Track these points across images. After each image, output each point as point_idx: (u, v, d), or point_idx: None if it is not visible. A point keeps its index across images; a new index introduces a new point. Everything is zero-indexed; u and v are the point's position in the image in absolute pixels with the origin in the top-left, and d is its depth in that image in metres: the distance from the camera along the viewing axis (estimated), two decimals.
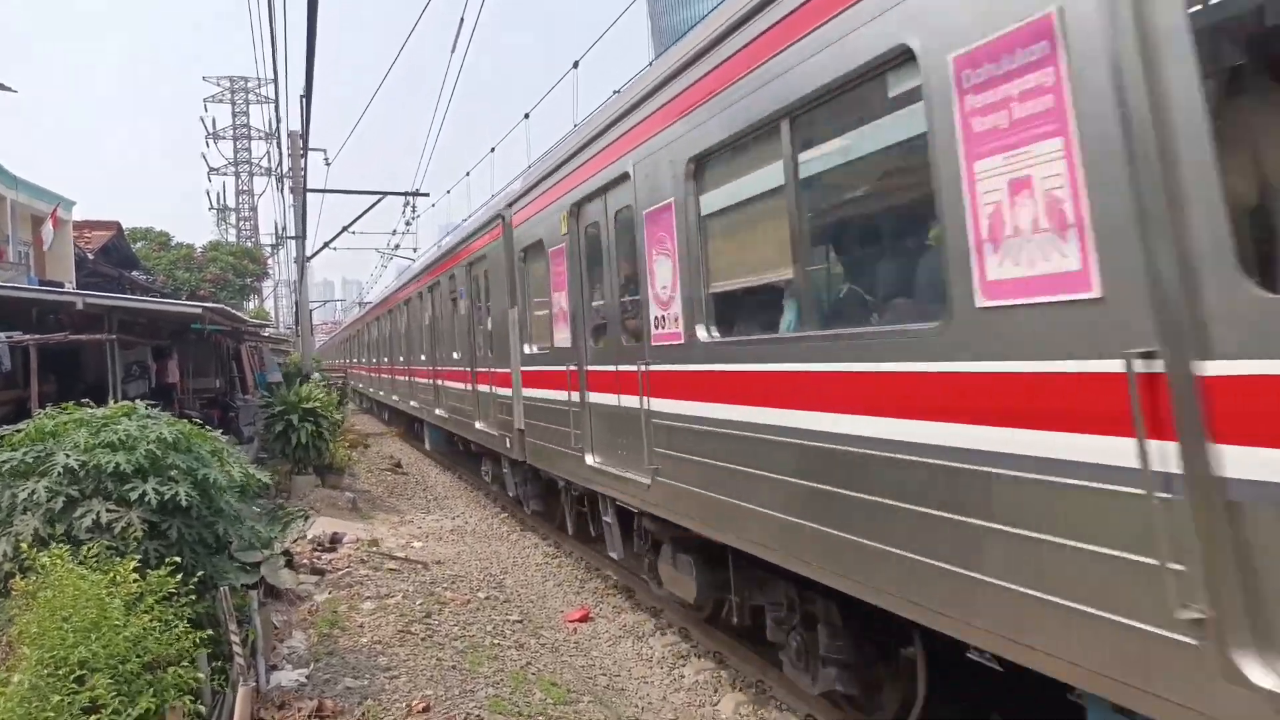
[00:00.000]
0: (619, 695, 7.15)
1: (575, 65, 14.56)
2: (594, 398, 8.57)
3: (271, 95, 58.73)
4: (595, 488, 8.81)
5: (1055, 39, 3.21)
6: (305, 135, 20.89)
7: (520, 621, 8.64)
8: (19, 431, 6.21)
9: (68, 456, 5.69)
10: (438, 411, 17.45)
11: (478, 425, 13.67)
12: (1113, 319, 3.05)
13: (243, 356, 30.44)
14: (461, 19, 14.56)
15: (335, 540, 11.29)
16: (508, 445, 11.80)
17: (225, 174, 68.44)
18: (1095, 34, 3.07)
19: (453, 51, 15.28)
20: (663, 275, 6.71)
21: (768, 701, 6.68)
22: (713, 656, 7.63)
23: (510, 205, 11.47)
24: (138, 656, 4.87)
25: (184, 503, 5.78)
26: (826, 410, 4.66)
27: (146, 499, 5.65)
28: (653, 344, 7.01)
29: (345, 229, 25.98)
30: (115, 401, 7.49)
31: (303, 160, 21.19)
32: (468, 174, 27.62)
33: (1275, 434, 2.63)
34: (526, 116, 18.39)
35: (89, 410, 6.51)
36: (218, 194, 65.98)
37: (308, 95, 16.09)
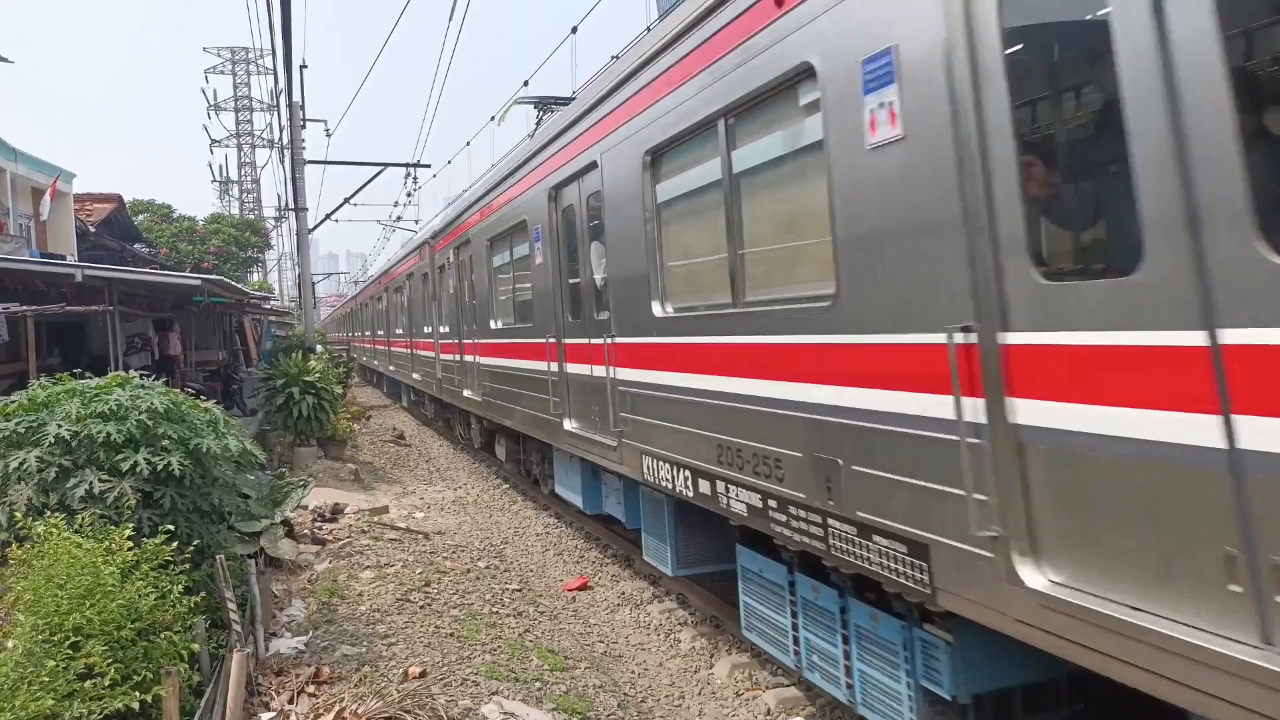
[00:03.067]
0: (616, 662, 7.19)
1: (574, 30, 14.41)
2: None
3: (272, 66, 58.32)
4: None
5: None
6: (290, 102, 20.76)
7: (519, 590, 8.68)
8: (12, 402, 6.22)
9: (59, 427, 5.69)
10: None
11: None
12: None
13: (246, 329, 30.50)
14: None
15: (337, 511, 11.34)
16: None
17: (227, 146, 68.16)
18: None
19: (450, 19, 15.13)
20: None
21: (762, 666, 6.72)
22: (709, 622, 7.67)
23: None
24: (133, 623, 4.89)
25: (176, 472, 5.79)
26: None
27: (138, 469, 5.65)
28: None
29: (346, 201, 25.90)
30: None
31: (302, 129, 21.07)
32: (468, 144, 27.44)
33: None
34: (526, 84, 18.22)
35: (82, 381, 6.51)
36: (220, 166, 65.85)
37: (286, 61, 15.99)
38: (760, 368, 5.27)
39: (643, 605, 8.41)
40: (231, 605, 5.88)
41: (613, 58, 9.76)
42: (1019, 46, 3.52)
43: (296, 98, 20.75)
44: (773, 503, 5.22)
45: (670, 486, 6.53)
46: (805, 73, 4.66)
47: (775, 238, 5.44)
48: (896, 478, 4.14)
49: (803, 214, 5.00)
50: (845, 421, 4.49)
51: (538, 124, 14.25)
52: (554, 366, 9.38)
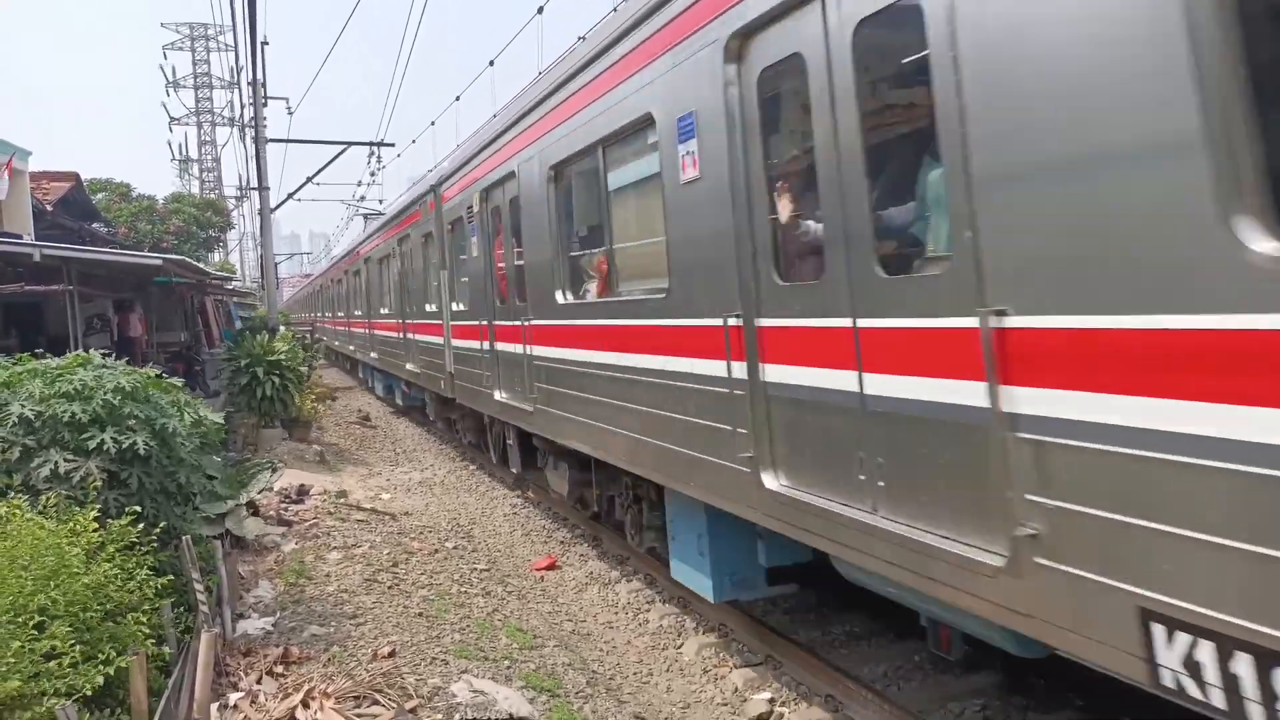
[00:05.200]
0: (584, 640, 7.26)
1: (540, 11, 14.31)
2: None
3: (232, 43, 57.31)
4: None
5: None
6: (253, 79, 20.45)
7: (488, 570, 8.71)
8: None
9: (23, 406, 5.62)
10: None
11: None
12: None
13: (208, 310, 30.08)
14: None
15: (302, 492, 11.28)
16: None
17: (187, 124, 66.87)
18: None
19: None
20: None
21: (730, 645, 6.82)
22: (677, 602, 7.74)
23: None
24: (99, 604, 4.86)
25: (142, 451, 5.74)
26: None
27: (105, 448, 5.60)
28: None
29: (309, 180, 25.59)
30: None
31: (263, 107, 20.76)
32: (432, 123, 27.23)
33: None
34: (491, 64, 18.11)
35: (44, 361, 6.42)
36: (179, 145, 64.58)
37: (251, 37, 15.79)
38: None
39: (611, 585, 8.48)
40: (199, 586, 5.86)
41: (579, 39, 9.67)
42: None
43: (258, 75, 20.43)
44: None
45: None
46: None
47: None
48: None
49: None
50: None
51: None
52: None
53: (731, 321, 5.14)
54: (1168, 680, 2.84)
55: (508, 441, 11.42)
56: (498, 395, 10.34)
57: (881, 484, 4.15)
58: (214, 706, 5.05)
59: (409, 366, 16.69)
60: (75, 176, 29.14)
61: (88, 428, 5.69)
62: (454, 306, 12.83)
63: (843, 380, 4.37)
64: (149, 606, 5.18)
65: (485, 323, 10.64)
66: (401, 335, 17.45)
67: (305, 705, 5.09)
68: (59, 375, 6.01)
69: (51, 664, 4.45)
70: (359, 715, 5.07)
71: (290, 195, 26.59)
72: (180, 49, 68.10)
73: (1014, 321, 3.31)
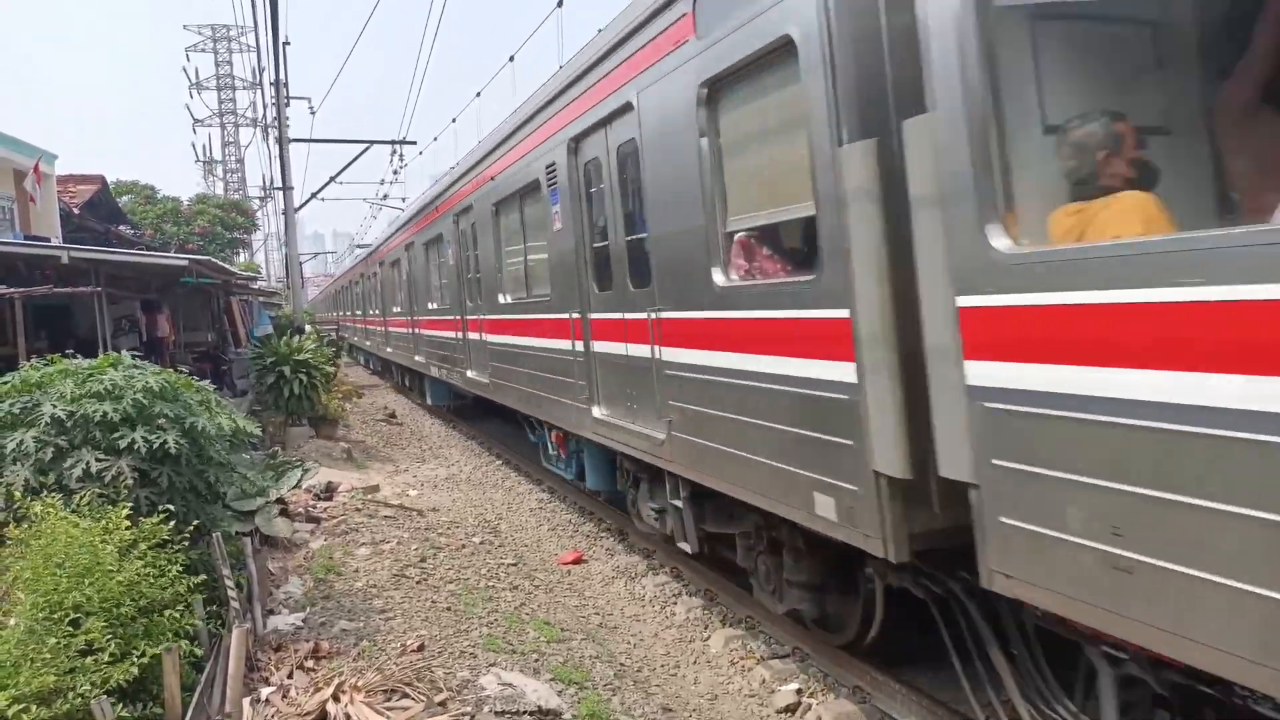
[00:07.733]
0: (611, 633, 7.27)
1: (560, 4, 14.30)
2: None
3: (254, 43, 57.74)
4: None
5: None
6: (276, 81, 20.58)
7: (515, 565, 8.74)
8: (5, 383, 6.21)
9: (54, 407, 5.69)
10: None
11: None
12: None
13: (234, 310, 30.35)
14: None
15: (330, 489, 11.36)
16: None
17: (210, 125, 67.48)
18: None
19: None
20: None
21: (756, 636, 6.81)
22: (703, 595, 7.75)
23: None
24: (132, 600, 4.92)
25: (173, 450, 5.80)
26: None
27: (135, 447, 5.67)
28: None
29: (332, 179, 25.81)
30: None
31: (286, 107, 20.90)
32: (454, 120, 27.34)
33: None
34: (511, 59, 18.14)
35: (75, 361, 6.50)
36: (203, 146, 65.16)
37: (273, 38, 15.87)
38: None
39: (637, 578, 8.49)
40: (229, 582, 5.93)
41: (599, 31, 9.68)
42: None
43: (280, 75, 20.59)
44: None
45: None
46: None
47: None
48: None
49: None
50: None
51: None
52: None
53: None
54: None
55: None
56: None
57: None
58: (246, 701, 5.10)
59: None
60: (101, 179, 29.53)
61: (118, 427, 5.76)
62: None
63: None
64: (181, 603, 5.24)
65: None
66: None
67: (336, 699, 5.13)
68: (89, 375, 6.08)
69: (88, 660, 4.52)
70: (389, 709, 5.11)
71: (314, 195, 26.90)
72: (203, 50, 68.73)
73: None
